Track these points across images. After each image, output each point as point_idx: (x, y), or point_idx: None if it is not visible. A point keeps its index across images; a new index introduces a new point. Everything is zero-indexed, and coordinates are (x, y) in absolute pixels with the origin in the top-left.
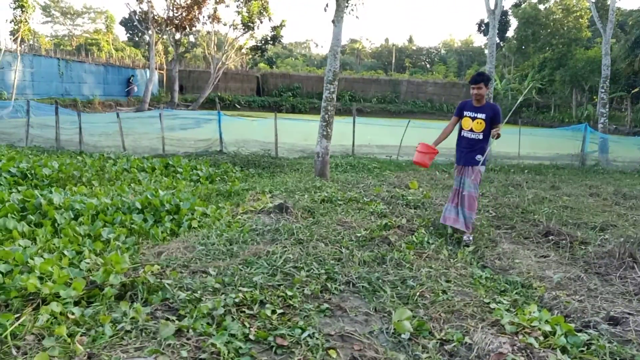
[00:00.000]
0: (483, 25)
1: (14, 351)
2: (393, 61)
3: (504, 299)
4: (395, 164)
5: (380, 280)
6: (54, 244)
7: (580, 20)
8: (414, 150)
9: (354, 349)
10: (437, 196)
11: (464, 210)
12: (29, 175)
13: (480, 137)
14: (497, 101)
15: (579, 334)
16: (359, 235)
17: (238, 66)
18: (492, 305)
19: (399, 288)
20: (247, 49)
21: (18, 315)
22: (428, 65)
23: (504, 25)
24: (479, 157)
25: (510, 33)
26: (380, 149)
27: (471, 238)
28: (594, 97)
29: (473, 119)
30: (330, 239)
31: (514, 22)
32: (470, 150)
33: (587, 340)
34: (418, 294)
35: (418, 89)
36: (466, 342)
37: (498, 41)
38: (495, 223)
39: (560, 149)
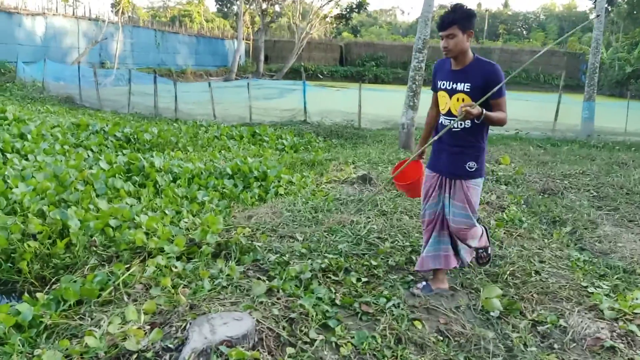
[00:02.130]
0: None
1: (125, 297)
2: (485, 28)
3: (604, 284)
4: None
5: None
6: (156, 204)
7: None
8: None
9: (440, 322)
10: (531, 172)
11: (453, 240)
12: (132, 140)
13: (468, 124)
14: (602, 72)
15: None
16: None
17: (322, 35)
18: (590, 290)
19: (487, 265)
20: (331, 17)
21: (128, 266)
22: (524, 32)
23: None
24: (471, 164)
25: None
26: None
27: (488, 252)
28: None
29: (450, 93)
30: (414, 212)
31: None
32: (454, 152)
33: None
34: (508, 272)
35: (512, 58)
36: (560, 325)
37: (606, 5)
38: (596, 204)
39: None
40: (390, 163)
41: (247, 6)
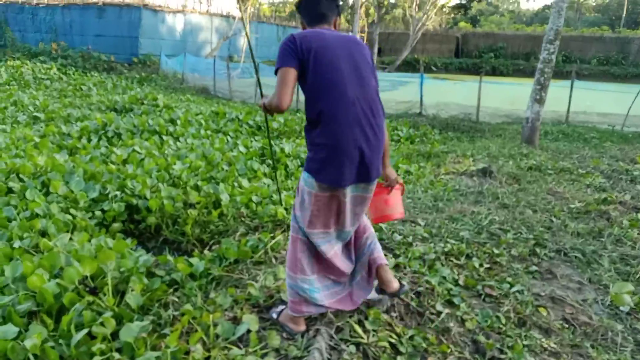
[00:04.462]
0: None
1: (273, 260)
2: (623, 15)
3: None
4: (620, 135)
5: (595, 254)
6: (287, 184)
7: None
8: None
9: (566, 311)
10: None
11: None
12: (262, 127)
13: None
14: None
15: None
16: (572, 206)
17: (437, 27)
18: None
19: (617, 264)
20: (449, 7)
21: (272, 235)
22: None
23: None
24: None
25: None
26: (601, 117)
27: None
28: None
29: None
30: (538, 207)
31: None
32: None
33: None
34: None
35: None
36: None
37: None
38: None
39: None
40: (511, 157)
41: None
